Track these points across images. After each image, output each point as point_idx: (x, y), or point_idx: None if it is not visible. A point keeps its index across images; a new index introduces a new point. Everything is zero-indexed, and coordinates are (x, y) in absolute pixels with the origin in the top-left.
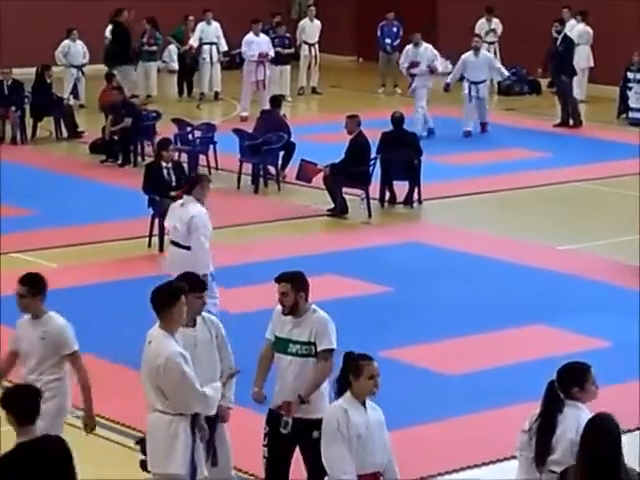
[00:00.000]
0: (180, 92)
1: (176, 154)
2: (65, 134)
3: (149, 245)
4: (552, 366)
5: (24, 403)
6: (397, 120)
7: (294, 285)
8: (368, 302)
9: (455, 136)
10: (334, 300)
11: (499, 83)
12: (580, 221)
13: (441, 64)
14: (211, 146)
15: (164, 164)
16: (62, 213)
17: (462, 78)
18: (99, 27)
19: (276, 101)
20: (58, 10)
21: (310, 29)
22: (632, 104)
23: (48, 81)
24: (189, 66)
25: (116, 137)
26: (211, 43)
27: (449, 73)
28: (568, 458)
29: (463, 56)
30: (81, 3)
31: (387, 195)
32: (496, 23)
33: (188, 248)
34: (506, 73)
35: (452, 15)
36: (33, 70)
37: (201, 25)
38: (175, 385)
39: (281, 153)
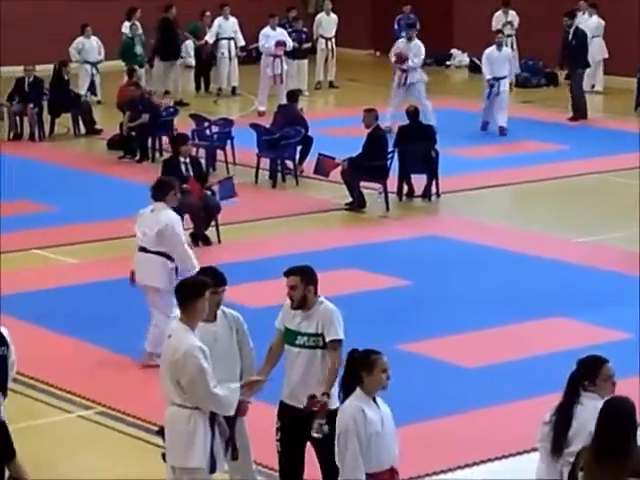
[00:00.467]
0: (197, 87)
1: (194, 149)
2: (83, 130)
3: None
4: (572, 359)
5: None
6: (412, 113)
7: (303, 279)
8: (386, 296)
9: (472, 129)
10: (352, 294)
11: (517, 76)
12: (598, 213)
13: (415, 59)
14: (229, 141)
15: (182, 159)
16: (81, 209)
17: (480, 70)
18: (115, 24)
19: (293, 95)
20: (75, 7)
21: (327, 23)
22: None
23: (66, 78)
24: (206, 61)
25: (134, 133)
26: (229, 38)
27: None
28: None
29: (486, 51)
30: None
31: (405, 188)
32: (513, 15)
33: (157, 254)
34: (517, 69)
35: (468, 7)
36: (51, 67)
37: (218, 20)
38: (191, 379)
39: (299, 147)
